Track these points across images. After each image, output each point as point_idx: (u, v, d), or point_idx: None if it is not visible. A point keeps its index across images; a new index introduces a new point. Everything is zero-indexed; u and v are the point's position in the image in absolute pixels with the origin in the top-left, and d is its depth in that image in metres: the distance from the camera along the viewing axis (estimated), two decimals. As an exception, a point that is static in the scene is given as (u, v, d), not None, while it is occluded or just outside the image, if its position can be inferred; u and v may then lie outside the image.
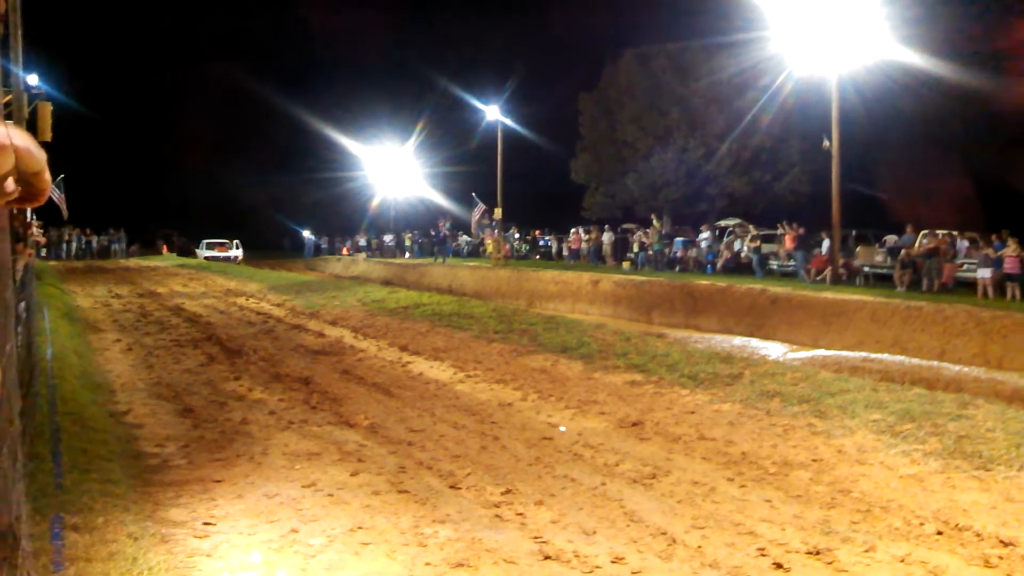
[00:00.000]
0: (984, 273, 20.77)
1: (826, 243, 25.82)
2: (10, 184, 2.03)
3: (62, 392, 8.87)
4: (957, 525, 5.46)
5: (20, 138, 1.89)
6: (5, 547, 2.99)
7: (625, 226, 38.97)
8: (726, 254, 30.19)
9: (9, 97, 15.43)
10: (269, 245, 59.37)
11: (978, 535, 5.29)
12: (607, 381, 10.54)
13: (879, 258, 25.83)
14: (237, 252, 49.14)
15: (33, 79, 23.16)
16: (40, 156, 2.01)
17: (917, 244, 24.32)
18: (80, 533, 4.70)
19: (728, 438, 7.74)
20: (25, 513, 4.24)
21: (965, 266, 22.66)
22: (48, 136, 16.92)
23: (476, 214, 41.95)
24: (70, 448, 6.56)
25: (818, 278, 25.04)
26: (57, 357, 11.15)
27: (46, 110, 17.31)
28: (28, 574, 3.19)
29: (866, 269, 25.28)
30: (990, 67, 29.37)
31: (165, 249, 54.71)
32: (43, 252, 39.23)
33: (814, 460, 6.98)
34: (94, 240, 50.20)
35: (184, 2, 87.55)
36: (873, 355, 17.10)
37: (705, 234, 32.34)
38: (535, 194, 49.08)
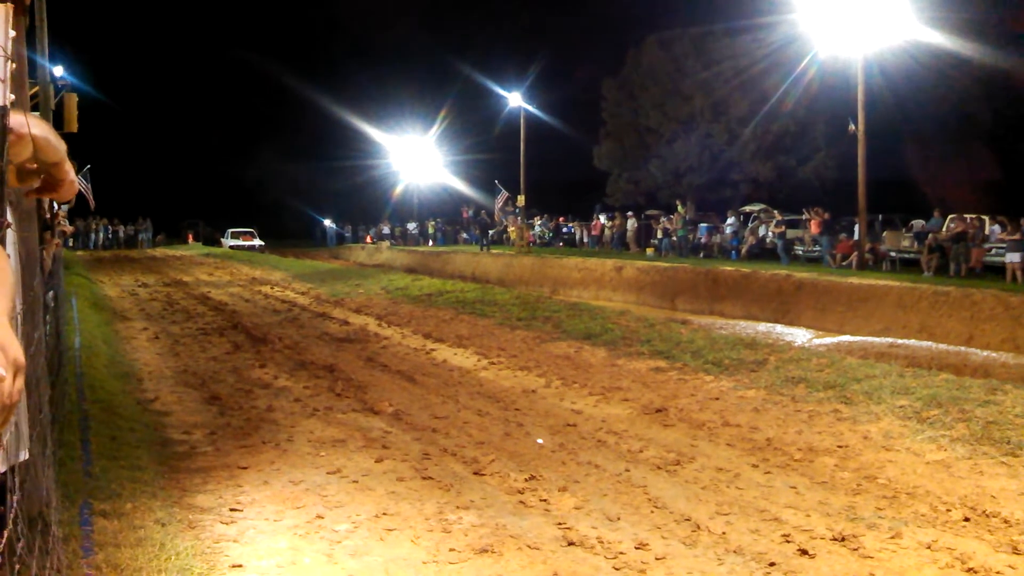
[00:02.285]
0: (1013, 257, 20.52)
1: (856, 228, 25.61)
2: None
3: (90, 380, 8.98)
4: (984, 511, 5.41)
5: (38, 127, 1.89)
6: (36, 532, 3.03)
7: (649, 212, 38.81)
8: (751, 240, 30.01)
9: (36, 89, 15.57)
10: (294, 234, 59.61)
11: (1006, 521, 5.24)
12: (631, 368, 10.52)
13: (906, 243, 25.58)
14: (260, 241, 49.40)
15: (59, 70, 23.36)
16: (59, 146, 2.00)
17: (945, 228, 24.07)
18: (109, 519, 4.76)
19: (753, 424, 7.71)
20: (55, 499, 4.29)
21: (993, 250, 22.40)
22: (74, 127, 17.07)
23: (499, 201, 41.93)
24: (99, 435, 6.64)
25: (844, 263, 24.85)
26: (85, 346, 11.28)
27: (72, 101, 17.47)
28: (58, 559, 3.24)
29: (893, 254, 25.04)
30: (1019, 49, 28.95)
31: (191, 238, 55.09)
32: (71, 242, 39.67)
33: (839, 446, 6.94)
34: (121, 230, 50.70)
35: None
36: (899, 341, 16.95)
37: (730, 220, 32.16)
38: (558, 181, 49.01)
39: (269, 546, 4.89)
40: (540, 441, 7.23)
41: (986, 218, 24.66)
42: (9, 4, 1.63)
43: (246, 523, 5.25)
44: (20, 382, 1.32)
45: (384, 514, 5.44)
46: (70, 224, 31.73)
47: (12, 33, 1.63)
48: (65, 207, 10.93)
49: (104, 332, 13.76)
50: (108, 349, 11.98)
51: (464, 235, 48.28)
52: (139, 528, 4.71)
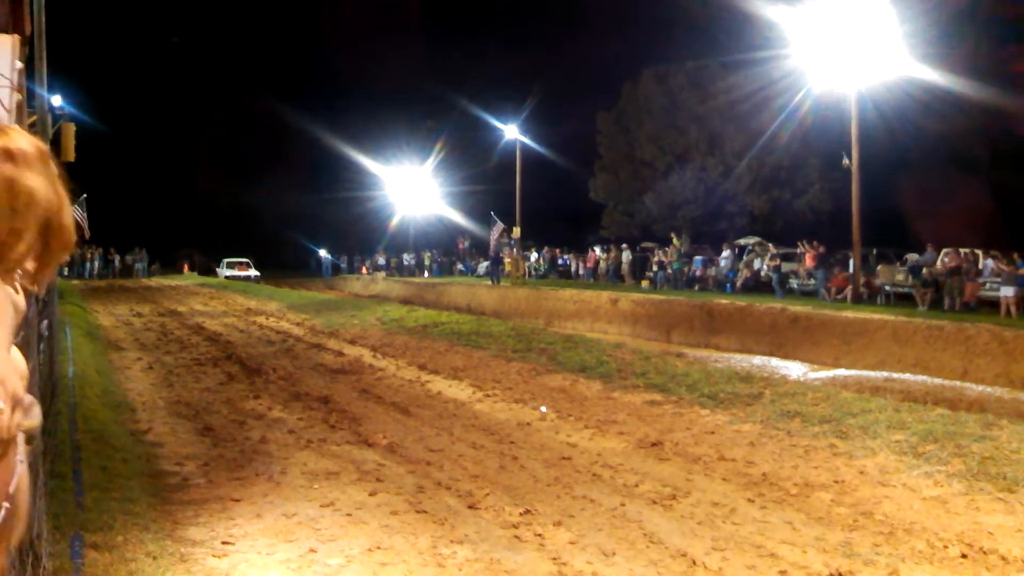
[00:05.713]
0: (1007, 292, 20.58)
1: (851, 262, 25.69)
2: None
3: (83, 410, 8.93)
4: (982, 548, 5.38)
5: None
6: (26, 565, 3.00)
7: (644, 245, 38.90)
8: (746, 273, 30.07)
9: (34, 118, 15.63)
10: (289, 264, 59.63)
11: (1003, 558, 5.22)
12: (626, 401, 10.50)
13: (900, 276, 25.65)
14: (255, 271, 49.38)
15: (57, 100, 23.46)
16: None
17: (939, 262, 24.15)
18: (100, 551, 4.71)
19: (748, 459, 7.68)
20: (46, 531, 4.26)
21: (988, 285, 22.46)
22: (71, 156, 17.10)
23: (495, 233, 41.98)
24: (91, 466, 6.59)
25: (839, 297, 24.89)
26: (79, 375, 11.23)
27: (70, 131, 17.51)
28: (48, 593, 3.20)
29: (887, 288, 25.11)
30: (1012, 87, 29.24)
31: (186, 268, 55.06)
32: (65, 271, 39.59)
33: (836, 481, 6.91)
34: (116, 259, 50.63)
35: (206, 24, 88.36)
36: (895, 375, 16.98)
37: (725, 253, 32.25)
38: (554, 213, 49.16)
39: (261, 580, 4.84)
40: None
41: (980, 252, 24.76)
42: (16, 36, 1.63)
43: (238, 556, 5.20)
44: (19, 416, 1.32)
45: (378, 548, 5.40)
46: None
47: (19, 64, 1.62)
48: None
49: (98, 362, 13.71)
50: (101, 379, 11.93)
51: (460, 266, 48.29)
52: (130, 561, 4.67)
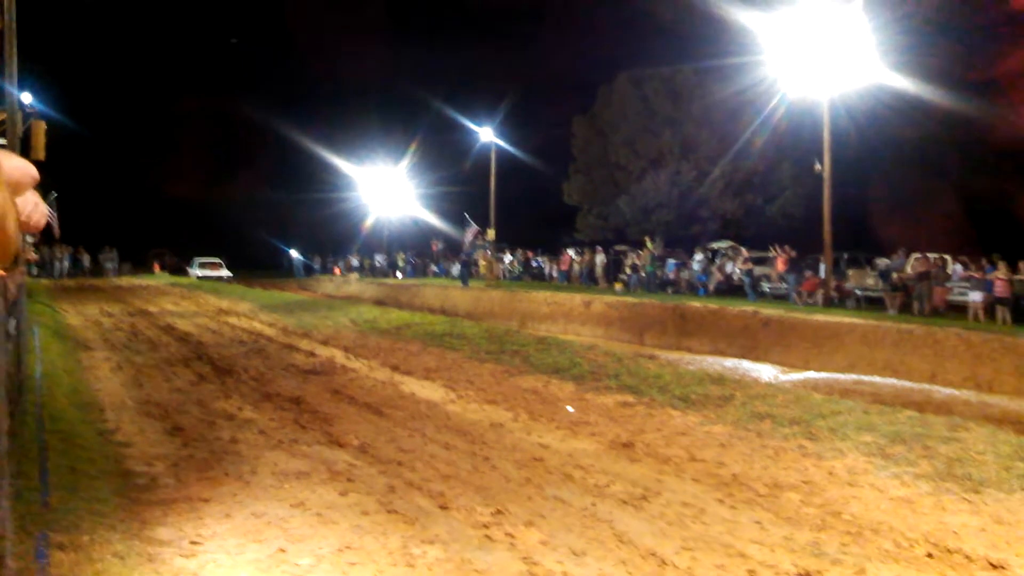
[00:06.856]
0: (975, 296, 20.85)
1: (822, 266, 25.92)
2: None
3: (51, 410, 8.83)
4: (947, 547, 5.45)
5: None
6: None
7: (617, 247, 39.03)
8: (718, 276, 30.26)
9: (3, 116, 15.46)
10: (262, 264, 59.28)
11: (968, 557, 5.28)
12: (599, 402, 10.53)
13: (870, 281, 25.91)
14: (227, 271, 49.02)
15: (27, 98, 23.19)
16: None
17: (908, 267, 24.42)
18: (66, 552, 4.66)
19: (719, 460, 7.73)
20: (11, 531, 4.21)
21: (956, 289, 22.74)
22: (41, 155, 16.95)
23: (469, 235, 41.96)
24: (58, 466, 6.52)
25: (810, 300, 25.10)
26: (47, 375, 11.11)
27: (40, 129, 17.37)
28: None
29: (857, 292, 25.35)
30: (982, 95, 29.63)
31: (157, 268, 54.56)
32: (35, 270, 39.15)
33: (804, 482, 6.97)
34: (86, 259, 50.09)
35: (179, 22, 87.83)
36: (864, 377, 17.15)
37: (698, 256, 32.43)
38: (528, 215, 49.22)
39: (230, 580, 4.81)
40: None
41: (948, 257, 25.08)
42: None
43: (207, 556, 5.16)
44: None
45: (348, 548, 5.38)
46: (34, 252, 31.38)
47: None
48: (30, 236, 10.81)
49: (66, 362, 13.56)
50: (70, 379, 11.80)
51: (434, 268, 48.20)
52: (97, 561, 4.62)
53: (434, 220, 49.81)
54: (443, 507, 6.29)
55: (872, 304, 24.48)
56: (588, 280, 36.09)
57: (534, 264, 42.12)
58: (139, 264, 55.38)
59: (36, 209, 2.90)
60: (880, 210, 34.97)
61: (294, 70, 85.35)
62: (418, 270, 49.11)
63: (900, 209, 33.86)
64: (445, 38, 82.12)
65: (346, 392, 11.43)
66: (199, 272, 48.06)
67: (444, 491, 6.68)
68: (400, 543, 5.49)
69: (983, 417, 11.45)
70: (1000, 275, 20.50)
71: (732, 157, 36.22)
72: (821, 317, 20.76)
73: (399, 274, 49.20)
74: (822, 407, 9.31)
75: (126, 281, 43.81)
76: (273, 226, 61.33)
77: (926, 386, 16.17)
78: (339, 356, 14.98)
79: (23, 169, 2.31)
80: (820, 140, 25.56)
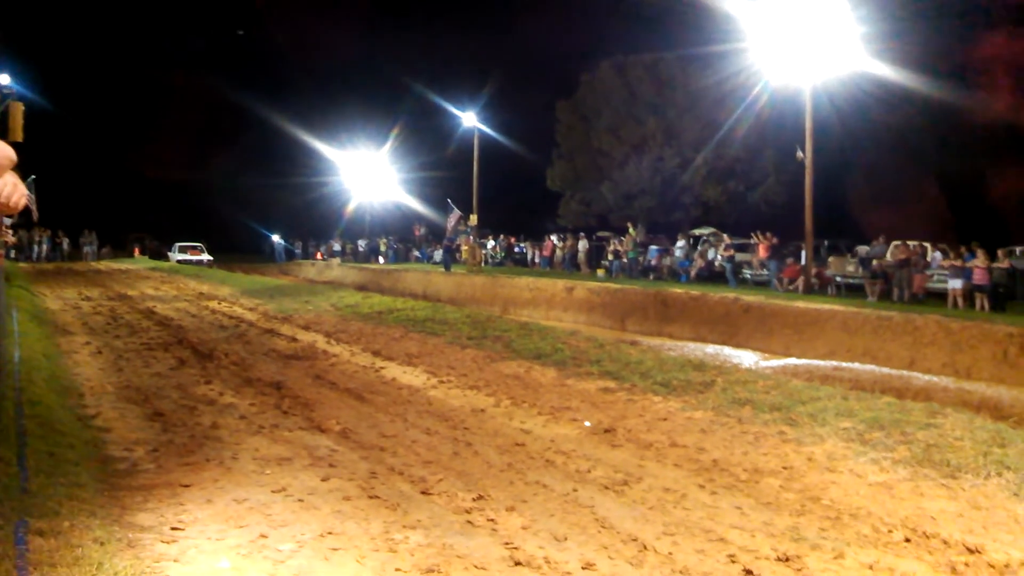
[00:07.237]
0: (954, 284, 21.03)
1: (803, 253, 26.05)
2: None
3: (29, 395, 8.76)
4: (925, 532, 5.50)
5: None
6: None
7: (600, 234, 39.08)
8: (700, 262, 30.37)
9: (-20, 96, 15.26)
10: (243, 249, 58.95)
11: (945, 542, 5.34)
12: (580, 388, 10.55)
13: (851, 268, 26.08)
14: (208, 256, 48.73)
15: (5, 78, 22.94)
16: None
17: (888, 254, 24.58)
18: (45, 538, 4.63)
19: (700, 445, 7.76)
20: (-12, 516, 4.18)
21: (935, 277, 22.92)
22: (20, 136, 16.68)
23: (451, 220, 41.89)
24: (36, 452, 6.47)
25: (790, 287, 25.24)
26: (25, 360, 11.01)
27: (18, 110, 17.08)
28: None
29: (838, 279, 25.51)
30: (962, 81, 29.81)
31: (137, 252, 54.20)
32: (12, 254, 38.79)
33: (784, 467, 7.01)
34: (65, 242, 49.69)
35: (160, 4, 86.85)
36: (844, 364, 17.26)
37: (680, 243, 32.52)
38: (511, 201, 49.19)
39: (210, 566, 4.80)
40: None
41: (928, 245, 25.27)
42: None
43: (188, 542, 5.14)
44: None
45: (329, 533, 5.37)
46: (12, 235, 31.08)
47: None
48: (8, 219, 10.71)
49: (45, 346, 13.45)
50: (48, 363, 11.71)
51: (416, 253, 48.12)
52: (76, 547, 4.59)
53: (417, 205, 49.75)
54: (425, 492, 6.30)
55: (852, 291, 24.65)
56: (570, 266, 36.15)
57: (517, 250, 42.14)
58: (119, 248, 55.04)
59: (16, 190, 2.87)
60: (861, 198, 35.21)
61: (275, 53, 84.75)
62: (400, 255, 49.05)
63: (881, 197, 34.07)
64: (428, 21, 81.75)
65: (328, 377, 11.41)
66: (179, 256, 47.79)
67: (426, 476, 6.69)
68: (382, 528, 5.49)
69: (961, 403, 11.54)
70: (979, 263, 20.67)
71: (715, 144, 36.30)
72: (802, 304, 20.87)
73: (381, 259, 49.10)
74: (802, 393, 9.36)
75: (105, 265, 43.51)
76: (254, 210, 60.99)
77: (905, 372, 16.30)
78: (320, 341, 14.94)
79: (1, 151, 2.28)
80: (802, 128, 25.66)
